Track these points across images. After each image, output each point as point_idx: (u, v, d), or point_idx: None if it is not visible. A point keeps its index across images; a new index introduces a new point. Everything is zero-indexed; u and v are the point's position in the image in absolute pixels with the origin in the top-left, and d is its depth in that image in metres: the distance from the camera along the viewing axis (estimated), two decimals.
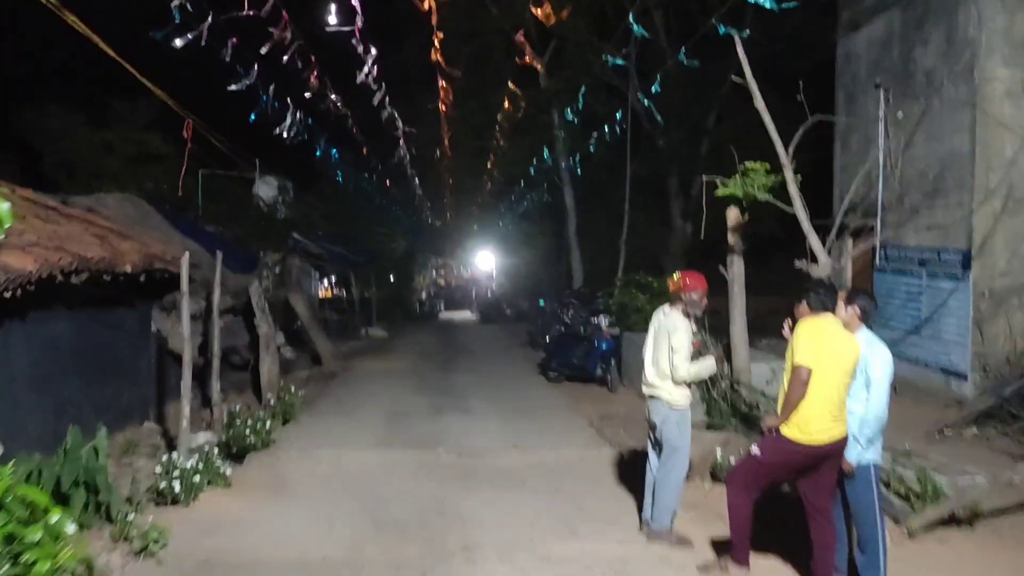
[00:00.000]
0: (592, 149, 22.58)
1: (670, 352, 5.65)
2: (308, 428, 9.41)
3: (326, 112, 22.87)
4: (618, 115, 21.81)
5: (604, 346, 12.96)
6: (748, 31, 12.20)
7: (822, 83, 23.54)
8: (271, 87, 17.59)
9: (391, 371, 15.00)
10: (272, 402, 9.71)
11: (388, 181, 32.57)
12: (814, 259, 8.72)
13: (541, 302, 21.58)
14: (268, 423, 7.97)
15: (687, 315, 5.80)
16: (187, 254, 7.89)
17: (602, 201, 29.04)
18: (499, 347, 19.98)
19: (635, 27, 16.04)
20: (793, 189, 8.16)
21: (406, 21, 22.84)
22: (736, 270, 9.74)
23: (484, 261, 41.39)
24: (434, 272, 47.03)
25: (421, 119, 27.14)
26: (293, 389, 10.10)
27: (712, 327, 10.28)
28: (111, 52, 13.19)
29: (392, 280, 33.03)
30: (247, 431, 7.65)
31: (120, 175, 21.70)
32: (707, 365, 5.97)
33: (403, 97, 26.83)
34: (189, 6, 11.19)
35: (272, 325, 12.42)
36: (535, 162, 26.51)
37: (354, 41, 14.98)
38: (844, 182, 13.96)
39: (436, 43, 21.45)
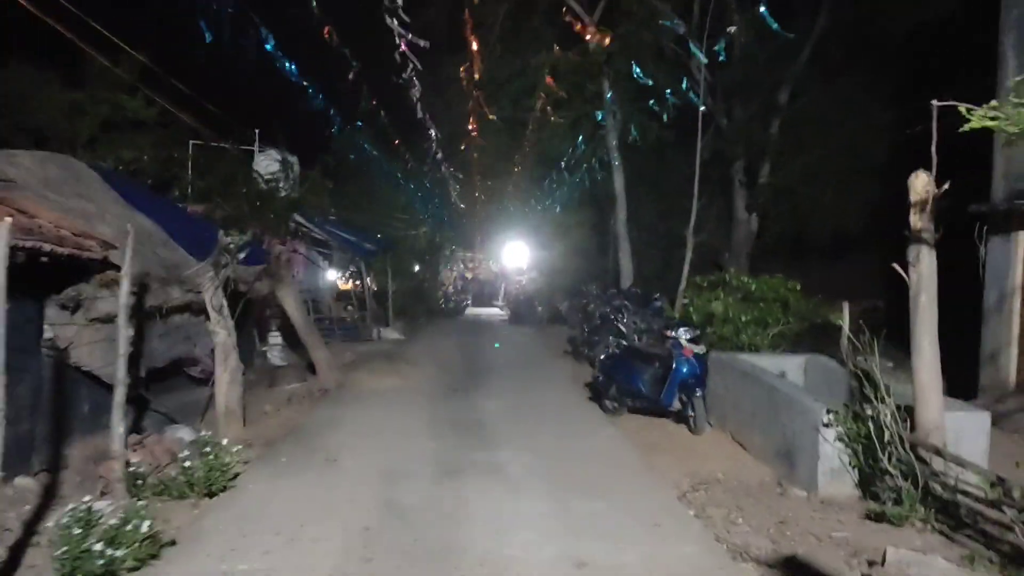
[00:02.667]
0: (650, 116, 19.10)
1: None
2: (243, 507, 5.92)
3: (339, 77, 19.74)
4: (684, 91, 18.35)
5: (685, 370, 9.46)
6: None
7: (921, 52, 20.02)
8: (265, 38, 14.52)
9: (399, 392, 11.62)
10: (185, 467, 6.22)
11: (410, 161, 29.20)
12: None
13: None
14: (146, 524, 4.52)
15: None
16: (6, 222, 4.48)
17: (653, 188, 25.43)
18: (535, 357, 16.54)
19: None
20: None
21: None
22: (925, 268, 6.17)
23: (515, 254, 37.70)
24: (461, 264, 43.68)
25: (448, 89, 23.78)
26: (225, 442, 6.59)
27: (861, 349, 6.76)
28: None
29: (414, 273, 29.71)
30: (98, 544, 4.22)
31: (96, 142, 18.59)
32: None
33: (428, 63, 23.55)
34: None
35: (233, 330, 9.10)
36: (579, 141, 23.00)
37: None
38: (1013, 156, 10.32)
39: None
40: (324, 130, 25.97)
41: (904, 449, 6.04)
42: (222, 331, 8.94)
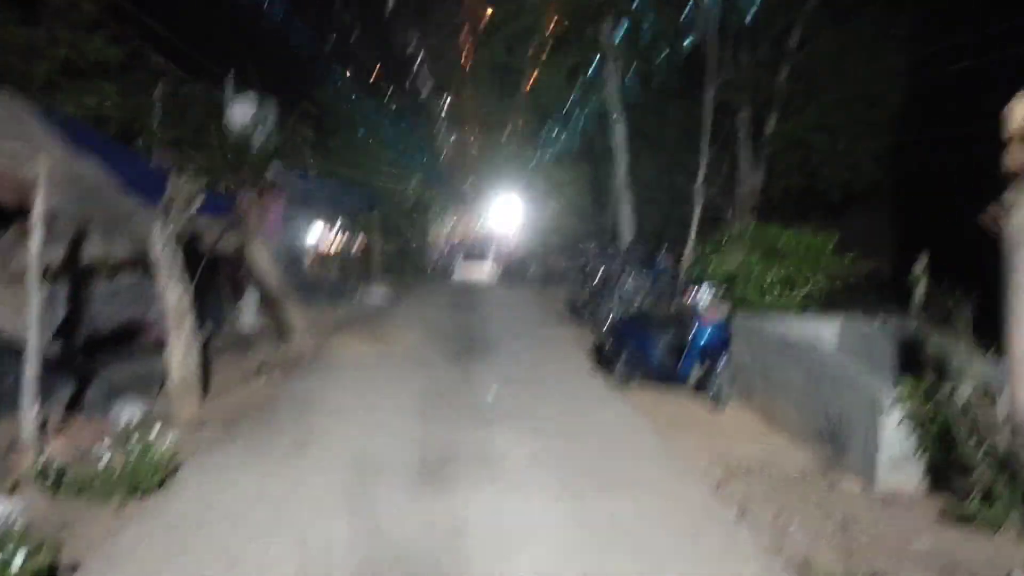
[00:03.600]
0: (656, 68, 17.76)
1: None
2: (178, 512, 4.70)
3: (324, 15, 18.37)
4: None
5: (706, 336, 8.33)
6: None
7: None
8: None
9: (382, 361, 10.44)
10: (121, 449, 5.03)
11: (399, 114, 27.77)
12: None
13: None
14: (19, 557, 3.30)
15: None
16: None
17: (651, 143, 24.09)
18: (531, 320, 15.38)
19: None
20: None
21: None
22: None
23: (507, 211, 36.28)
24: (452, 223, 42.35)
25: (440, 33, 22.34)
26: (152, 434, 5.31)
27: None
28: None
29: (403, 231, 28.39)
30: None
31: (55, 87, 17.06)
32: None
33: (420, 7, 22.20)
34: None
35: (188, 291, 7.86)
36: (576, 90, 21.62)
37: None
38: None
39: None
40: (306, 75, 24.55)
41: (1001, 437, 4.92)
42: (174, 293, 7.70)
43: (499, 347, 11.69)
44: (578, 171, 29.09)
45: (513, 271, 27.01)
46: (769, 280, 9.03)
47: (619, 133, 19.80)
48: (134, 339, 9.02)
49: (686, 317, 8.72)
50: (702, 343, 8.31)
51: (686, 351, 8.44)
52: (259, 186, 17.13)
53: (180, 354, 7.71)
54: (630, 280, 13.31)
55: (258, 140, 17.66)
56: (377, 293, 18.13)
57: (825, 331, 8.66)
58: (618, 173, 20.25)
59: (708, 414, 8.01)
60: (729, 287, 9.31)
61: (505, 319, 15.12)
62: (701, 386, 8.45)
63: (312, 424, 6.90)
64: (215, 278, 13.16)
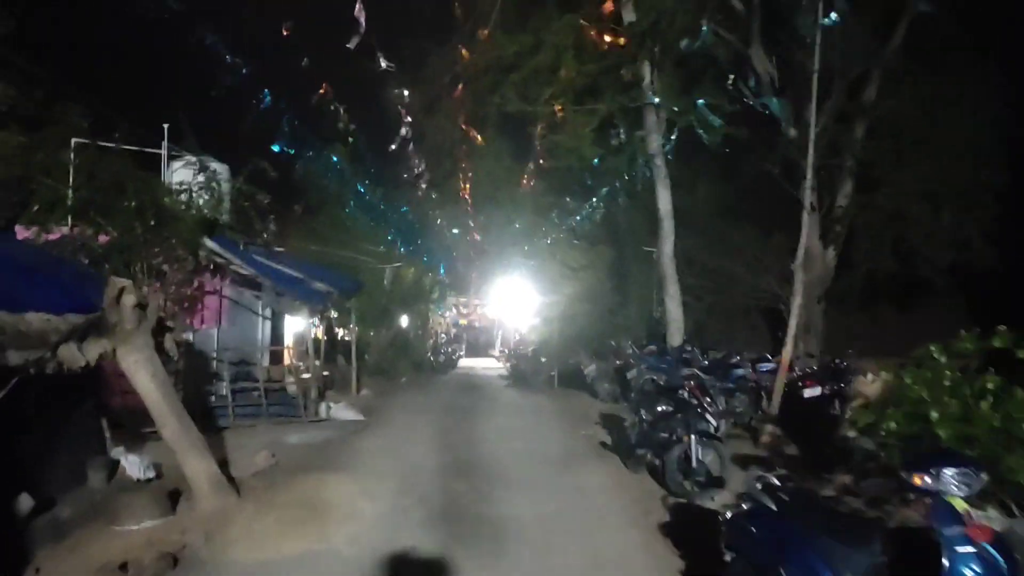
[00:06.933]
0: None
1: None
2: None
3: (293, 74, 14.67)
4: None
5: (974, 571, 3.80)
6: None
7: None
8: None
9: (308, 565, 5.89)
10: None
11: (388, 188, 24.05)
12: None
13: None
14: None
15: None
16: None
17: (684, 218, 19.95)
18: (557, 454, 10.70)
19: None
20: None
21: None
22: None
23: (516, 297, 31.69)
24: (455, 310, 38.31)
25: (434, 89, 18.63)
26: None
27: None
28: None
29: (395, 321, 24.09)
30: None
31: None
32: None
33: (411, 57, 18.53)
34: None
35: None
36: (606, 150, 17.56)
37: None
38: None
39: None
40: (281, 146, 20.89)
41: None
42: None
43: (513, 530, 7.11)
44: (596, 254, 24.88)
45: (523, 368, 22.54)
46: None
47: (664, 199, 15.63)
48: None
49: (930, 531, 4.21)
50: None
51: None
52: (193, 266, 12.96)
53: None
54: (712, 403, 8.85)
55: (197, 206, 13.52)
56: (347, 407, 13.59)
57: None
58: (663, 252, 15.99)
59: None
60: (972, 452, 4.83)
61: (519, 453, 10.58)
62: None
63: None
64: (79, 402, 8.77)
